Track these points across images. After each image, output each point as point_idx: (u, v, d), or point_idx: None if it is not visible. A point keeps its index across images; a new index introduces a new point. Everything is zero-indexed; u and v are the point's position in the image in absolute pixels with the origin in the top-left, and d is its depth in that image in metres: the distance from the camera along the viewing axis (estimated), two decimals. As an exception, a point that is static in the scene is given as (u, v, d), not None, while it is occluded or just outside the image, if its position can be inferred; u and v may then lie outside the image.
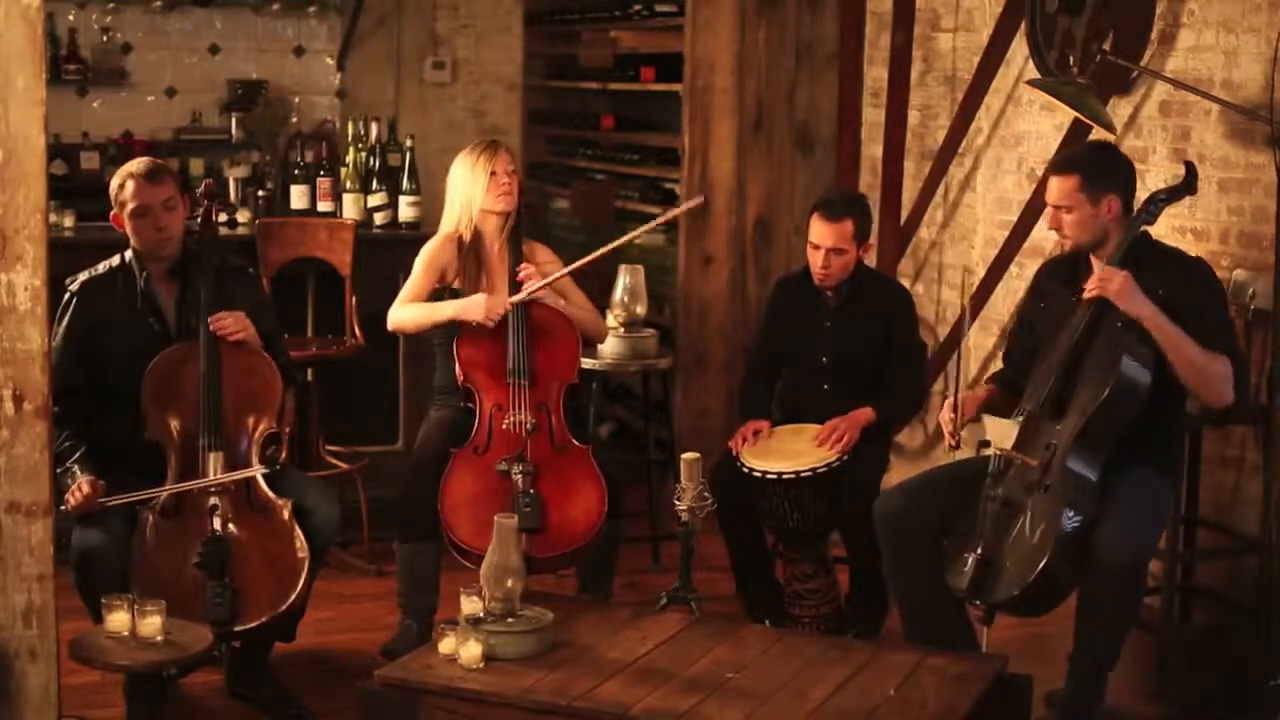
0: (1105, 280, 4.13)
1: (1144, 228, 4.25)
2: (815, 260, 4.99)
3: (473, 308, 4.73)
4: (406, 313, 4.85)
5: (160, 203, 4.42)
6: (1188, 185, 4.29)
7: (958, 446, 4.38)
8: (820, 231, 4.96)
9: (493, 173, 4.85)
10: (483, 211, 4.87)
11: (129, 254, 4.51)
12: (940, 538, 4.28)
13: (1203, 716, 4.49)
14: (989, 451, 4.30)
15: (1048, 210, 4.35)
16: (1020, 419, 4.24)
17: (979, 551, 4.12)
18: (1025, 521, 4.12)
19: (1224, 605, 4.99)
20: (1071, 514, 4.04)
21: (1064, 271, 4.43)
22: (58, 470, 4.17)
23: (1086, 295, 4.18)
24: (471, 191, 4.87)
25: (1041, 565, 3.99)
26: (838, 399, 4.97)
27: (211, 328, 4.39)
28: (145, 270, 4.47)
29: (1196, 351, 4.09)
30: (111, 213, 4.50)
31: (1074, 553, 4.03)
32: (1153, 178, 5.13)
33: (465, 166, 4.90)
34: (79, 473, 4.22)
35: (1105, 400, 4.06)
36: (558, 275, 4.90)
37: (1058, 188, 4.27)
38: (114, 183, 4.49)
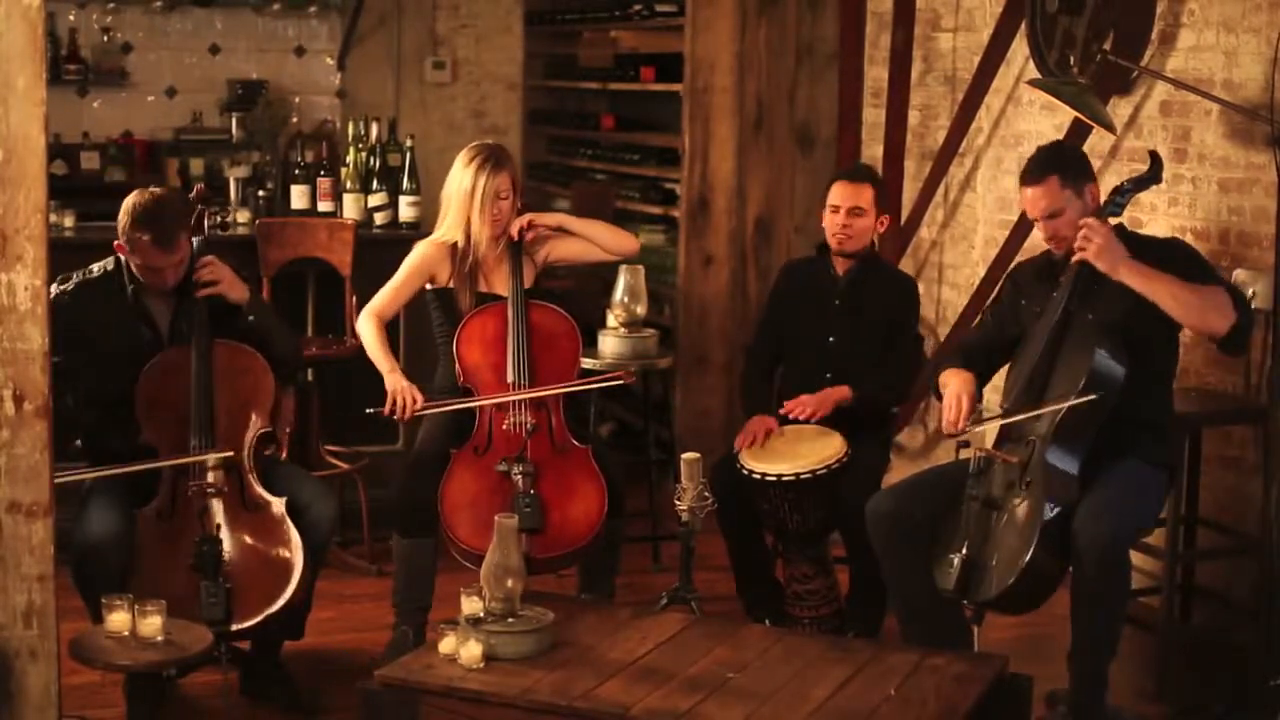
0: (1088, 238, 4.12)
1: (1113, 220, 4.25)
2: (834, 223, 5.02)
3: (393, 386, 4.64)
4: (367, 338, 4.79)
5: (173, 264, 4.38)
6: (1153, 175, 4.30)
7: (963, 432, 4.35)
8: (840, 193, 5.02)
9: (493, 194, 4.76)
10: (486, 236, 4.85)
11: (123, 256, 4.49)
12: (932, 538, 4.28)
13: (1203, 716, 4.49)
14: (967, 453, 4.31)
15: (1039, 226, 4.33)
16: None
17: (964, 551, 4.14)
18: (1008, 519, 4.13)
19: (1224, 605, 4.99)
20: (1052, 507, 4.05)
21: (1044, 271, 4.44)
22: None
23: (1074, 259, 4.18)
24: (468, 209, 4.79)
25: (1025, 561, 4.00)
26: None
27: (197, 270, 4.39)
28: (135, 280, 4.45)
29: (1186, 288, 4.09)
30: (116, 241, 4.42)
31: (1056, 546, 4.04)
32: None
33: (464, 178, 4.78)
34: None
35: (1080, 394, 4.08)
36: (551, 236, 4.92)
37: (1043, 195, 4.26)
38: (125, 219, 4.35)
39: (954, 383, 4.42)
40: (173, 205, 4.44)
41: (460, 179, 4.81)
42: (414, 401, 4.64)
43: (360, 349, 5.78)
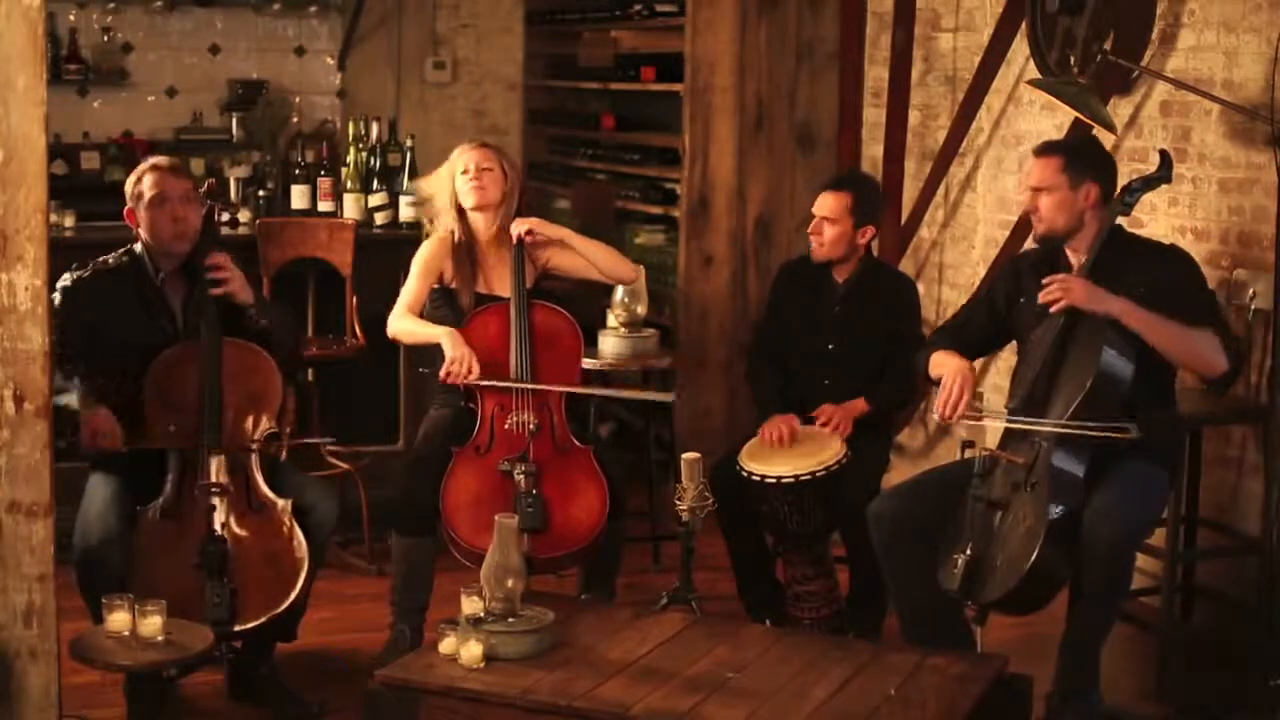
0: (1066, 290, 4.14)
1: (1120, 218, 4.26)
2: (810, 229, 5.03)
3: (455, 355, 4.64)
4: (404, 325, 4.83)
5: (179, 194, 4.42)
6: (1162, 174, 4.31)
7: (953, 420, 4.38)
8: (818, 200, 5.03)
9: (464, 170, 4.86)
10: (470, 210, 4.89)
11: (139, 248, 4.49)
12: (934, 539, 4.28)
13: (1203, 716, 4.49)
14: (972, 453, 4.31)
15: (1027, 194, 4.39)
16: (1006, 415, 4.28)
17: (968, 552, 4.13)
18: (1013, 520, 4.12)
19: (1224, 605, 4.99)
20: (1058, 508, 4.05)
21: (1043, 266, 4.44)
22: (59, 401, 4.16)
23: (1053, 310, 4.18)
24: (451, 190, 4.88)
25: (1030, 562, 3.99)
26: (839, 395, 4.97)
27: (208, 270, 4.40)
28: (161, 270, 4.47)
29: (1177, 329, 4.10)
30: (125, 209, 4.48)
31: (1062, 547, 4.04)
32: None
33: (447, 165, 4.92)
34: (90, 404, 4.23)
35: (1087, 393, 4.07)
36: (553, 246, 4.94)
37: (1039, 168, 4.33)
38: (130, 179, 4.50)
39: (952, 367, 4.40)
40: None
41: (445, 167, 4.91)
42: (472, 370, 4.64)
43: (360, 348, 5.83)
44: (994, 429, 4.43)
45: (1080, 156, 4.34)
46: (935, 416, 4.41)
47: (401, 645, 4.55)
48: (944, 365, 4.43)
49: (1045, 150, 4.37)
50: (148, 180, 4.44)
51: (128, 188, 4.49)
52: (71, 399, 4.23)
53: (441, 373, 4.66)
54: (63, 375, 4.24)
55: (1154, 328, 4.09)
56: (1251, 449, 4.95)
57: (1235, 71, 5.00)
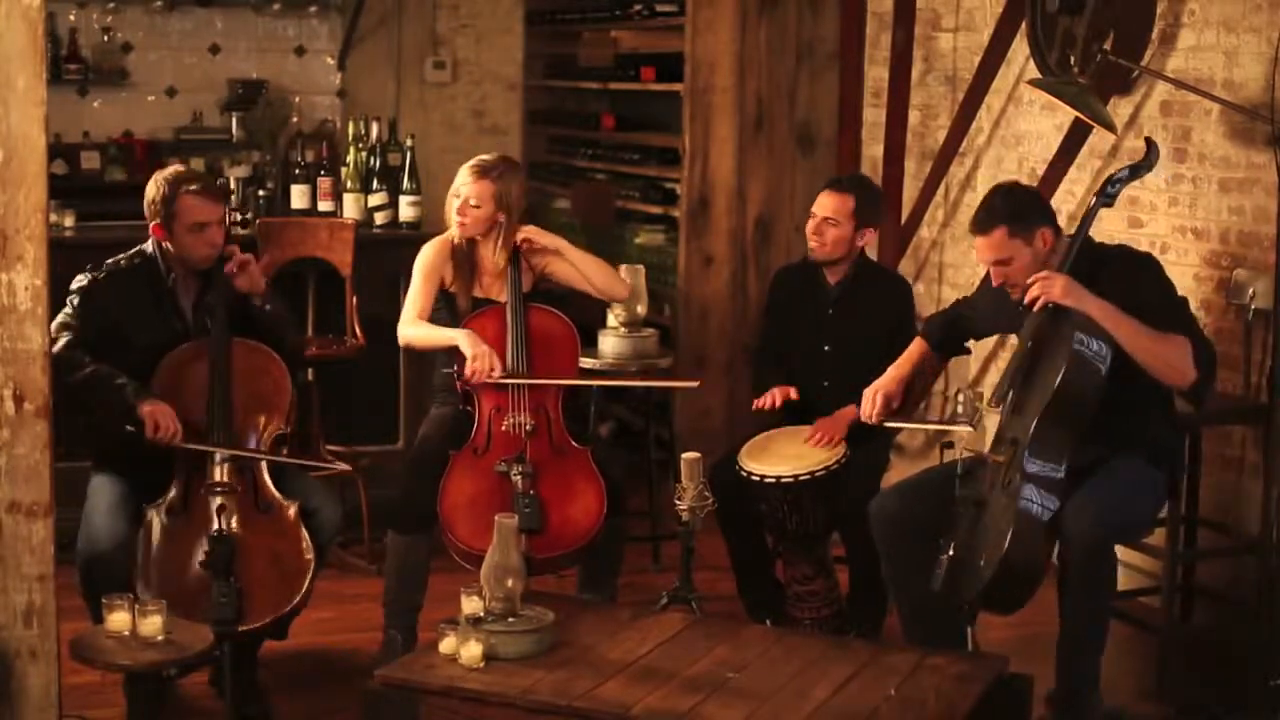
0: (1047, 285, 4.11)
1: (1104, 209, 4.24)
2: (809, 229, 5.02)
3: (476, 352, 4.64)
4: (415, 332, 4.83)
5: (216, 220, 4.39)
6: (1147, 162, 4.27)
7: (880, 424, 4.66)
8: (819, 201, 5.00)
9: (455, 195, 4.85)
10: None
11: (149, 247, 4.47)
12: (934, 538, 4.28)
13: (1203, 716, 4.49)
14: (954, 453, 4.31)
15: (991, 271, 4.31)
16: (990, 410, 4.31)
17: (950, 551, 4.13)
18: (991, 517, 4.12)
19: (1224, 605, 4.99)
20: (1033, 503, 4.04)
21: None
22: (115, 383, 4.21)
23: (1035, 309, 4.15)
24: (451, 207, 4.89)
25: (1001, 556, 3.99)
26: (837, 397, 4.97)
27: (227, 268, 4.40)
28: (173, 271, 4.46)
29: (1149, 335, 4.07)
30: (152, 223, 4.41)
31: (1037, 541, 4.03)
32: (1153, 177, 5.11)
33: (455, 180, 4.90)
34: (141, 396, 4.21)
35: (1060, 386, 4.04)
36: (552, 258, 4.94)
37: (990, 245, 4.24)
38: (158, 191, 4.40)
39: (884, 376, 4.64)
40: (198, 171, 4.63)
41: (454, 182, 4.91)
42: (495, 367, 4.64)
43: (360, 348, 5.83)
44: (987, 428, 4.43)
45: (1017, 214, 4.24)
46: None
47: (393, 652, 4.52)
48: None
49: (984, 226, 4.24)
50: (185, 205, 4.36)
51: (156, 199, 4.39)
52: (124, 381, 4.23)
53: (466, 371, 4.65)
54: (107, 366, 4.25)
55: (1126, 329, 4.05)
56: (1251, 449, 4.95)
57: (1235, 71, 5.00)
